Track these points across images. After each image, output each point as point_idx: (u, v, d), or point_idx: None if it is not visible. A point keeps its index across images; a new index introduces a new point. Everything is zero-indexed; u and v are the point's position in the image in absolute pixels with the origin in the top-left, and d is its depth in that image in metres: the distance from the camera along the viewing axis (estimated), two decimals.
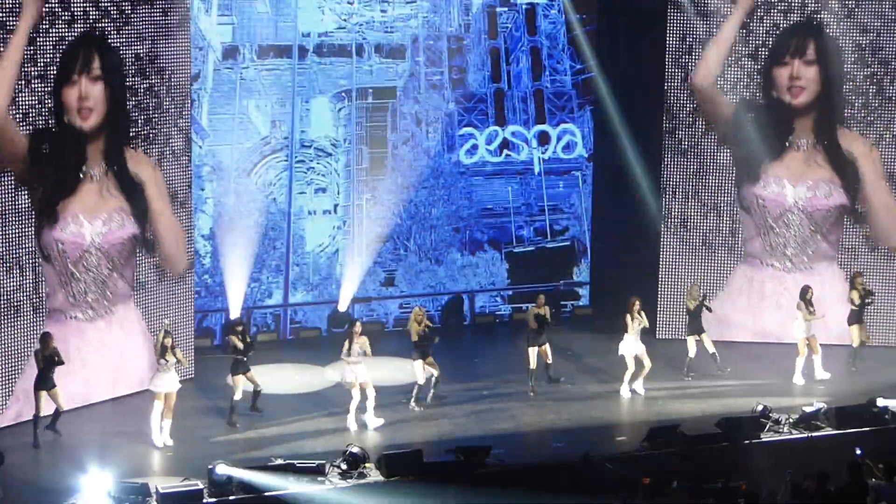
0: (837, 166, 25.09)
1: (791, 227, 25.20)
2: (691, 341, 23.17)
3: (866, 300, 23.50)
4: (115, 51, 21.55)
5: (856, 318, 23.50)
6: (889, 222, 25.09)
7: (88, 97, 21.36)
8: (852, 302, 23.55)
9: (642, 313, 22.45)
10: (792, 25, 24.74)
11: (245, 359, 21.07)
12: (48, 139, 21.03)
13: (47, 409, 20.31)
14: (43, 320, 21.18)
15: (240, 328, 21.38)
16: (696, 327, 23.21)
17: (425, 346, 21.72)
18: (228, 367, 21.28)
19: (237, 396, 20.94)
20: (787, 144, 25.04)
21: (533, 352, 22.51)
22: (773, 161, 25.05)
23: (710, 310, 23.31)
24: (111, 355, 22.15)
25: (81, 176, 21.57)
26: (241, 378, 21.02)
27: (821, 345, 23.14)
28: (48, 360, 20.27)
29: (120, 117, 21.82)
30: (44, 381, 20.28)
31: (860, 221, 25.14)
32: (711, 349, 23.19)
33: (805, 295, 23.08)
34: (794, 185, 25.14)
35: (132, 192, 22.15)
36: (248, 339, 21.34)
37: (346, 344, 20.88)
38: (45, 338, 20.43)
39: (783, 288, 25.07)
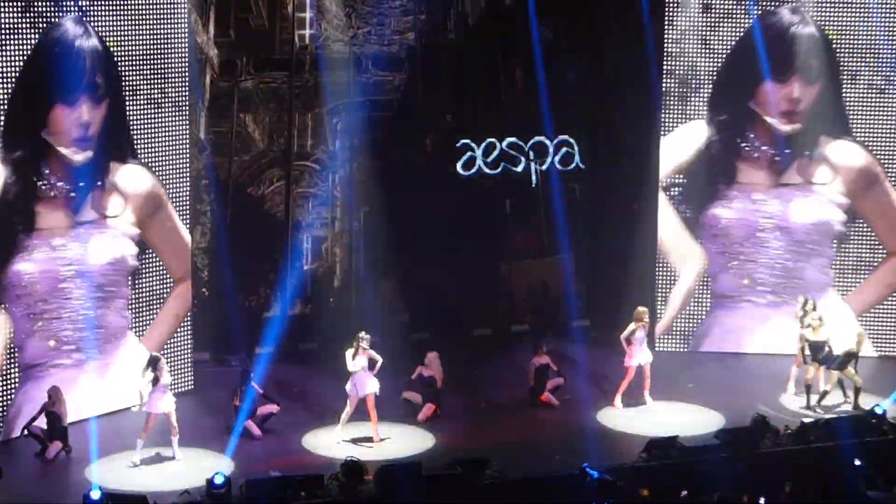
0: (817, 175, 24.52)
1: (766, 248, 24.74)
2: None
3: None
4: (115, 66, 21.36)
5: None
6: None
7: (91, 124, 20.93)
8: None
9: (646, 326, 22.44)
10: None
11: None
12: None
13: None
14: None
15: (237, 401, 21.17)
16: None
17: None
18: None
19: (257, 434, 21.00)
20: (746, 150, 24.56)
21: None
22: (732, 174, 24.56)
23: None
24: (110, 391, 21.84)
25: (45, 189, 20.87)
26: (251, 422, 21.09)
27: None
28: (52, 417, 20.12)
29: (112, 134, 21.44)
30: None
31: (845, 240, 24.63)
32: None
33: (804, 306, 23.01)
34: (766, 197, 24.66)
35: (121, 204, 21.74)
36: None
37: (352, 353, 20.85)
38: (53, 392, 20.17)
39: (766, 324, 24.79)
